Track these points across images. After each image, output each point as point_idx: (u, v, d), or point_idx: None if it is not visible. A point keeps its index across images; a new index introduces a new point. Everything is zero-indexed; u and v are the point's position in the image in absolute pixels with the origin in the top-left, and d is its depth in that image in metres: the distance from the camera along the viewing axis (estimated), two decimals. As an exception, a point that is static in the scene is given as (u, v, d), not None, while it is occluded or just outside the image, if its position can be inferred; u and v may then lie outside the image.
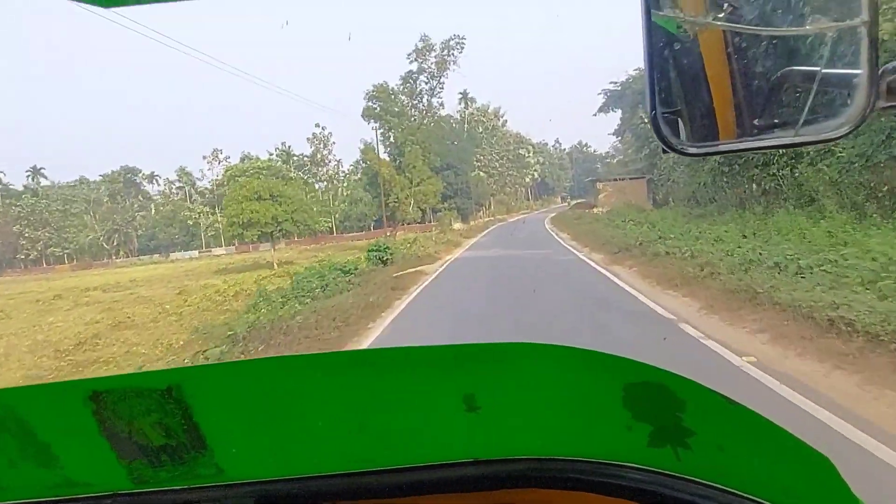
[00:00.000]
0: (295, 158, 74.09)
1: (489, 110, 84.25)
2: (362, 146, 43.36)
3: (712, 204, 23.05)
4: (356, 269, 19.68)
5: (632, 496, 0.63)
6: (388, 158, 43.08)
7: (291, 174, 69.74)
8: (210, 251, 69.46)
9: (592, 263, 16.22)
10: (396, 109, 42.77)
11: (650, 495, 0.62)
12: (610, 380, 0.62)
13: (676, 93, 0.76)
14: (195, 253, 70.35)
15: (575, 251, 20.59)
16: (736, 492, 0.61)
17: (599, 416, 0.63)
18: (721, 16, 0.72)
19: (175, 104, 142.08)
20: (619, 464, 0.64)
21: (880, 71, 0.61)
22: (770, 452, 0.61)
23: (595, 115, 62.28)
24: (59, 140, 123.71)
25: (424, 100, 43.95)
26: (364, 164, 42.96)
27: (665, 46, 0.73)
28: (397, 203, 40.98)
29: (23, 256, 72.66)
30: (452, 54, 42.23)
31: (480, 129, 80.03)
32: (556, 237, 28.55)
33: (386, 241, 25.48)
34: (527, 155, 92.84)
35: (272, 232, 33.62)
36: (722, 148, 0.79)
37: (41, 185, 78.09)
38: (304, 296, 15.04)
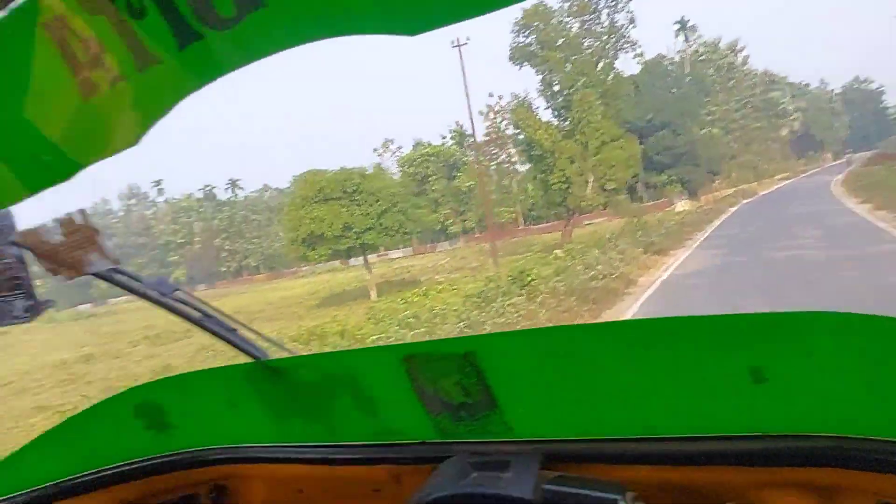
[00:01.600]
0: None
1: (721, 45, 63.01)
2: (513, 104, 29.52)
3: None
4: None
5: None
6: (555, 120, 28.58)
7: (466, 158, 58.41)
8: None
9: None
10: (560, 41, 28.00)
11: None
12: None
13: None
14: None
15: None
16: None
17: None
18: None
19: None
20: None
21: None
22: None
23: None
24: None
25: (604, 17, 28.42)
26: (516, 130, 28.97)
27: None
28: (566, 182, 26.40)
29: (224, 269, 73.14)
30: (643, -67, 25.99)
31: (711, 71, 59.62)
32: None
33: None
34: (781, 99, 68.88)
35: (348, 248, 21.61)
36: None
37: (238, 196, 78.51)
38: None
